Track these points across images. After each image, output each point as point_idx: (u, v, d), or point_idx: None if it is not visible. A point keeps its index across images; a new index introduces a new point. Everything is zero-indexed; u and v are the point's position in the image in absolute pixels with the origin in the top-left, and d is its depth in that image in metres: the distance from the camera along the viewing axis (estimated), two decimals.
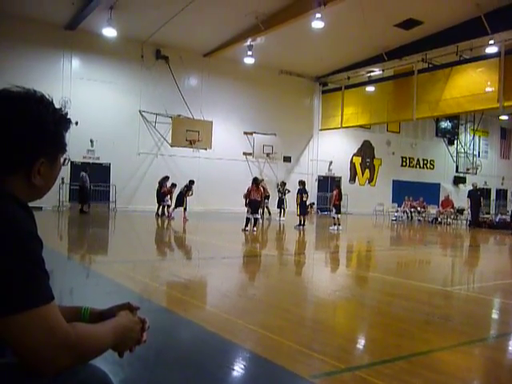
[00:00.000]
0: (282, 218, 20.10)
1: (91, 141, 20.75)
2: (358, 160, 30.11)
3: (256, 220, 14.67)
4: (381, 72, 23.58)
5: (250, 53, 20.68)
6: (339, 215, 16.82)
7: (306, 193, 17.32)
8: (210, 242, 11.67)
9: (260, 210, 16.01)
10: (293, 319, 4.82)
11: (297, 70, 26.05)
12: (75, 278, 6.57)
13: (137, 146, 21.88)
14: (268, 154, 24.98)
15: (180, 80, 22.95)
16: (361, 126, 27.77)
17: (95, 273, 7.12)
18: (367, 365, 3.54)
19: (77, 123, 20.25)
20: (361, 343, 4.39)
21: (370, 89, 24.37)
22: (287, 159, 26.45)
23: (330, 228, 16.44)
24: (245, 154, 24.91)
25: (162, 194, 19.17)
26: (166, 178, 19.52)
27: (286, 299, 5.86)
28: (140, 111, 21.96)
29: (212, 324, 4.42)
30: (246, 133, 24.97)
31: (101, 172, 20.92)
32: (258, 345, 3.95)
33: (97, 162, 21.02)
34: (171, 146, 22.31)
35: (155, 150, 22.44)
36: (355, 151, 30.04)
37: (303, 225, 16.33)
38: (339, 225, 16.44)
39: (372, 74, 23.97)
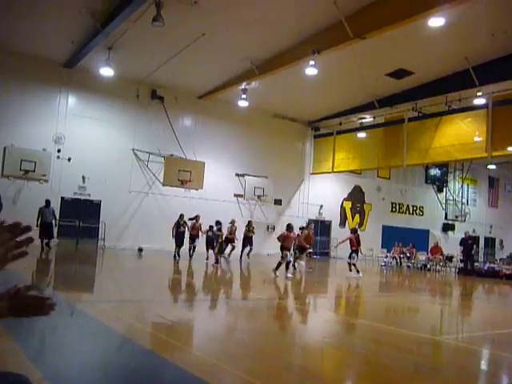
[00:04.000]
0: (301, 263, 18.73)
1: (83, 177, 20.76)
2: (348, 205, 30.27)
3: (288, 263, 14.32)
4: (372, 119, 24.02)
5: (244, 96, 21.03)
6: (354, 261, 15.99)
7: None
8: (202, 284, 11.56)
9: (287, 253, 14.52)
10: (280, 366, 4.76)
11: (290, 114, 26.48)
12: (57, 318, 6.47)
13: (128, 183, 21.91)
14: (259, 197, 25.08)
15: (174, 120, 23.22)
16: (352, 171, 28.05)
17: (80, 312, 7.02)
18: None
19: (69, 159, 20.42)
20: None
21: (362, 135, 24.75)
22: (278, 202, 26.53)
23: (353, 275, 15.45)
24: (236, 195, 24.98)
25: (192, 234, 18.19)
26: (198, 217, 18.45)
27: (275, 345, 5.79)
28: (133, 149, 22.10)
29: (198, 369, 4.35)
30: (237, 174, 25.12)
31: (91, 209, 20.86)
32: None
33: (88, 198, 20.97)
34: (163, 185, 22.36)
35: (146, 188, 22.47)
36: (346, 196, 30.24)
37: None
38: (358, 271, 15.56)
39: (364, 120, 24.39)
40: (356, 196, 30.65)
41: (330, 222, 29.05)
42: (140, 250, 20.06)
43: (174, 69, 20.15)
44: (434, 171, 34.37)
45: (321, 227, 28.38)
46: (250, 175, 25.15)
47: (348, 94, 22.65)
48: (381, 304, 10.78)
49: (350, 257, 16.15)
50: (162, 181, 22.36)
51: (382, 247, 28.25)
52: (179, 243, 17.99)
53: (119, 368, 4.38)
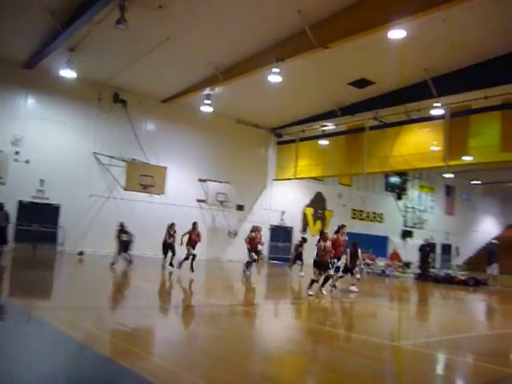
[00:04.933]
0: (300, 273, 18.12)
1: (42, 180, 20.28)
2: (310, 211, 30.57)
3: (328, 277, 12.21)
4: (334, 127, 24.36)
5: (207, 101, 21.00)
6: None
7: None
8: (164, 291, 11.46)
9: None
10: (241, 373, 4.77)
11: (253, 120, 26.60)
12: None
13: (89, 187, 21.51)
14: (221, 202, 25.05)
15: (137, 124, 22.99)
16: (314, 178, 28.39)
17: (36, 319, 6.86)
18: None
19: (28, 162, 19.92)
20: None
21: (324, 142, 25.07)
22: (240, 207, 26.58)
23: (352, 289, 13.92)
24: (198, 200, 24.89)
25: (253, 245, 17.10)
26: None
27: (236, 352, 5.80)
28: (94, 153, 21.73)
29: (158, 377, 4.32)
30: (200, 180, 25.04)
31: (50, 213, 20.39)
32: None
33: (46, 202, 20.49)
34: (124, 189, 22.06)
35: (107, 192, 22.11)
36: (308, 202, 30.54)
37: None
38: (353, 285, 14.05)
39: (326, 128, 24.71)
40: (318, 202, 31.00)
41: (292, 228, 29.25)
42: (80, 253, 19.65)
43: (138, 72, 19.97)
44: (394, 179, 35.13)
45: (283, 233, 28.57)
46: (212, 180, 25.11)
47: (311, 101, 22.94)
48: (341, 310, 10.92)
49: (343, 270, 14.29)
50: (123, 185, 22.08)
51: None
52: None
53: (77, 377, 4.31)
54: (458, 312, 12.57)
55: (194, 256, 16.05)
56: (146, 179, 22.11)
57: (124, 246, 16.30)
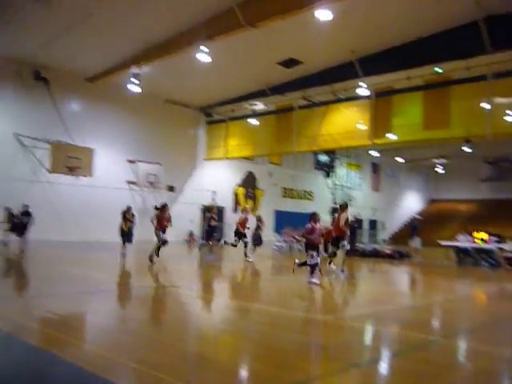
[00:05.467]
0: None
1: None
2: (241, 190, 30.77)
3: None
4: (264, 106, 24.49)
5: (135, 80, 20.45)
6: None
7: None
8: (90, 275, 11.21)
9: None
10: (175, 354, 4.79)
11: (182, 99, 26.25)
12: None
13: (11, 171, 20.49)
14: (152, 183, 24.70)
15: (61, 104, 22.06)
16: (244, 158, 28.53)
17: None
18: None
19: None
20: (242, 377, 4.47)
21: (254, 122, 25.18)
22: (171, 188, 26.32)
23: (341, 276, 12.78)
24: (128, 182, 24.40)
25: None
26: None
27: (169, 333, 5.80)
28: (16, 134, 20.70)
29: (90, 363, 4.26)
30: (129, 161, 24.53)
31: None
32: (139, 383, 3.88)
33: None
34: (50, 172, 21.23)
35: (32, 176, 21.16)
36: (239, 182, 30.70)
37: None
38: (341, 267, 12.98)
39: (256, 107, 24.80)
40: (249, 182, 31.26)
41: (223, 208, 29.33)
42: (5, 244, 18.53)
43: (60, 49, 19.14)
44: (323, 157, 35.91)
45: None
46: (142, 161, 24.67)
47: (241, 81, 22.93)
48: (274, 287, 11.14)
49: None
50: (48, 168, 21.23)
51: (274, 231, 29.05)
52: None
53: (4, 368, 4.17)
54: (384, 284, 13.13)
55: (165, 242, 14.08)
56: (72, 161, 21.40)
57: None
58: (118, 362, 4.43)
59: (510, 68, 17.00)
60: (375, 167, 41.54)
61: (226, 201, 29.54)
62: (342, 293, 10.87)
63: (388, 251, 21.87)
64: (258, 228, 17.94)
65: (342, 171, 37.91)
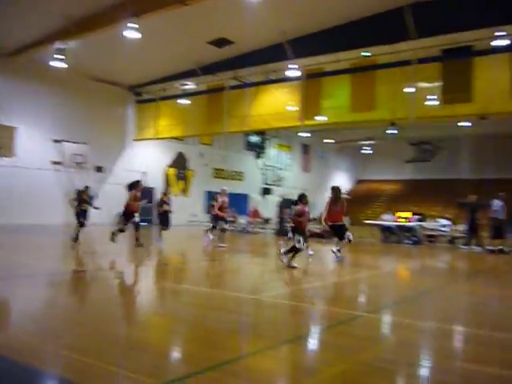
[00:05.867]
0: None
1: None
2: (172, 171, 30.43)
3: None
4: (195, 86, 24.19)
5: (59, 56, 19.50)
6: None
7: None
8: (12, 259, 10.77)
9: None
10: (105, 339, 4.72)
11: (110, 77, 25.42)
12: None
13: None
14: (79, 164, 23.91)
15: None
16: (175, 138, 28.19)
17: None
18: (178, 379, 3.63)
19: None
20: (173, 358, 4.48)
21: (185, 102, 24.84)
22: (99, 169, 25.60)
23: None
24: (54, 163, 23.47)
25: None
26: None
27: (98, 318, 5.70)
28: None
29: (17, 351, 4.12)
30: (55, 140, 23.55)
31: None
32: (68, 370, 3.80)
33: None
34: None
35: None
36: (169, 162, 30.33)
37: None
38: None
39: (187, 87, 24.45)
40: (179, 162, 30.95)
41: (154, 189, 28.91)
42: None
43: None
44: (254, 138, 36.09)
45: (145, 194, 28.09)
46: (68, 141, 23.77)
47: (171, 59, 22.50)
48: (204, 268, 11.16)
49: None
50: None
51: (205, 212, 29.00)
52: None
53: None
54: (313, 263, 13.48)
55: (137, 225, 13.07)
56: None
57: None
58: (45, 349, 4.31)
59: (433, 54, 17.72)
60: (305, 148, 42.25)
61: (156, 182, 29.10)
62: (273, 272, 11.06)
63: (317, 230, 22.39)
64: (163, 204, 16.38)
65: (272, 152, 38.29)
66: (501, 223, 16.86)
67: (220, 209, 15.40)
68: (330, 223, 12.10)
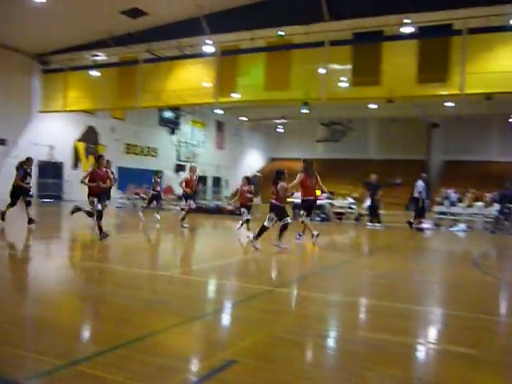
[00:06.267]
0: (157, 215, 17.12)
1: None
2: (81, 145, 29.29)
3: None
4: (107, 57, 23.29)
5: None
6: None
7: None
8: None
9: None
10: (6, 320, 4.52)
11: (13, 44, 23.83)
12: None
13: None
14: None
15: None
16: (85, 111, 27.08)
17: None
18: (87, 358, 3.57)
19: None
20: (82, 337, 4.38)
21: (95, 73, 23.86)
22: (2, 142, 24.13)
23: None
24: None
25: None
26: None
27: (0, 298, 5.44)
28: None
29: None
30: None
31: None
32: None
33: None
34: None
35: None
36: (79, 136, 29.15)
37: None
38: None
39: (97, 58, 23.48)
40: (89, 137, 29.84)
41: (62, 164, 27.76)
42: None
43: None
44: (168, 114, 35.49)
45: (52, 169, 26.95)
46: None
47: (81, 27, 21.43)
48: (115, 246, 10.94)
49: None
50: None
51: (117, 189, 28.28)
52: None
53: None
54: (225, 240, 13.63)
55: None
56: None
57: None
58: None
59: (345, 37, 18.22)
60: (220, 125, 42.18)
61: (64, 156, 27.93)
62: (185, 248, 11.06)
63: (230, 208, 22.57)
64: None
65: (186, 128, 37.89)
66: (423, 202, 17.90)
67: (187, 185, 14.78)
68: (306, 198, 11.61)
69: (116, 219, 18.72)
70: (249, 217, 13.40)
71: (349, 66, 18.31)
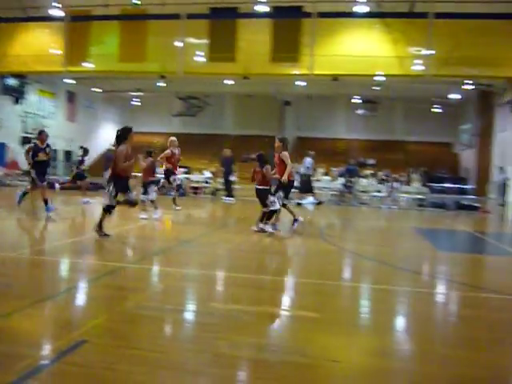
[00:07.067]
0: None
1: None
2: None
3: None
4: None
5: None
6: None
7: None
8: None
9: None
10: None
11: None
12: None
13: None
14: None
15: None
16: None
17: None
18: None
19: None
20: None
21: None
22: None
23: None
24: None
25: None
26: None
27: None
28: None
29: None
30: None
31: None
32: None
33: None
34: None
35: None
36: None
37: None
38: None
39: None
40: None
41: None
42: None
43: None
44: (12, 81, 32.58)
45: None
46: None
47: None
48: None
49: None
50: None
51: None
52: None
53: None
54: (78, 215, 13.08)
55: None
56: None
57: None
58: None
59: (201, 11, 18.17)
60: (71, 96, 39.78)
61: None
62: (34, 228, 10.42)
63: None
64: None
65: (33, 98, 35.17)
66: (309, 178, 18.54)
67: (169, 161, 13.36)
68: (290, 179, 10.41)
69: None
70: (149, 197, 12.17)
71: (206, 41, 18.33)
